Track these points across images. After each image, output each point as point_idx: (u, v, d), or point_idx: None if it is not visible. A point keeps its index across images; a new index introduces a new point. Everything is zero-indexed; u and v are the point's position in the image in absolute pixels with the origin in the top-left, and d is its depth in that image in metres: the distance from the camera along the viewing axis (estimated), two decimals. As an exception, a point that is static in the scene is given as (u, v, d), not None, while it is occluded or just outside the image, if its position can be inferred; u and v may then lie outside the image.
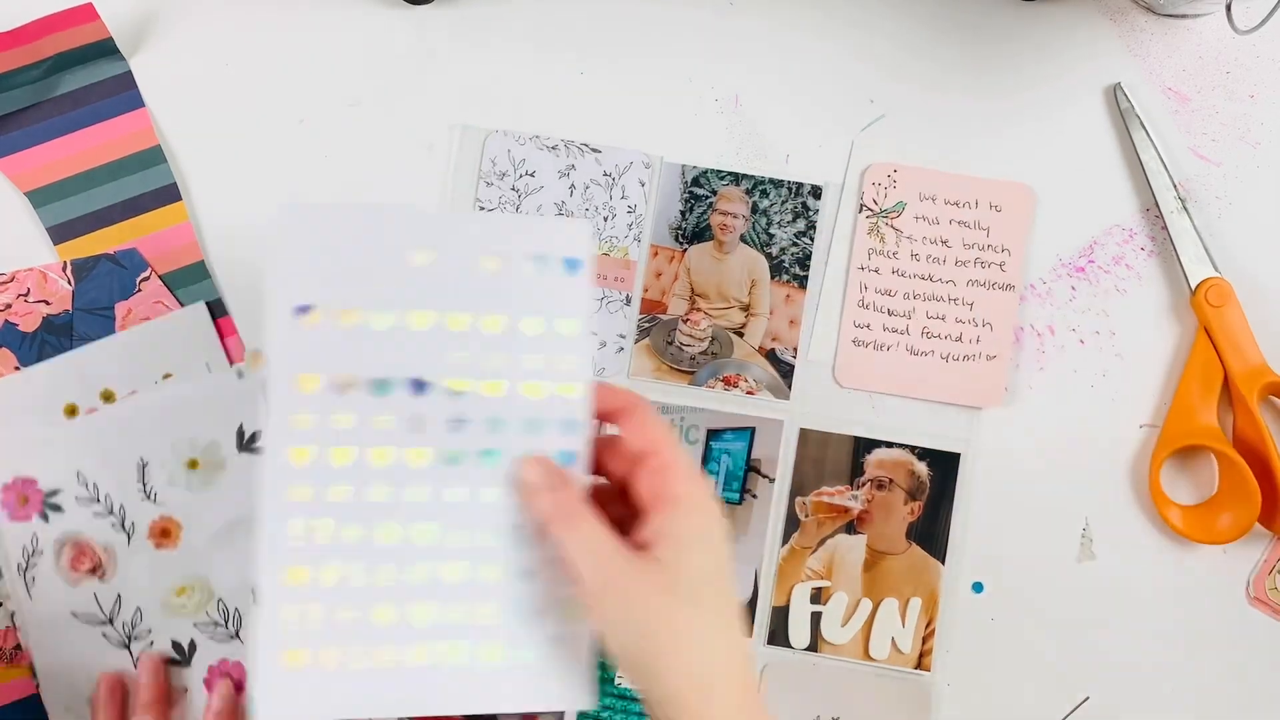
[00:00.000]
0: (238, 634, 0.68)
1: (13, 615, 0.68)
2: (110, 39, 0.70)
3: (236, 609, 0.68)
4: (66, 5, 0.68)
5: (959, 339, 0.71)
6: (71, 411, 0.69)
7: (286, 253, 0.54)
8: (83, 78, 0.71)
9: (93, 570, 0.68)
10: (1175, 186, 0.70)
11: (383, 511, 0.54)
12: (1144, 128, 0.70)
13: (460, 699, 0.55)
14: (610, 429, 0.56)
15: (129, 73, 0.72)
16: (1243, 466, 0.68)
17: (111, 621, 0.68)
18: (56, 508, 0.68)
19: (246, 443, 0.69)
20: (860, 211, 0.71)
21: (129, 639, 0.68)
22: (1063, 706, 0.70)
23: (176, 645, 0.68)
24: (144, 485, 0.68)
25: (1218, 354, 0.69)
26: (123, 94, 0.71)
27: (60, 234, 0.70)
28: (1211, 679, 0.70)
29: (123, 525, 0.68)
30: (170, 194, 0.71)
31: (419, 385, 0.55)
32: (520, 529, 0.54)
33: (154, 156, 0.71)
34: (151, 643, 0.68)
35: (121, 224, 0.71)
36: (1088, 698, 0.69)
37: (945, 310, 0.71)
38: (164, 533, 0.68)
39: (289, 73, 0.72)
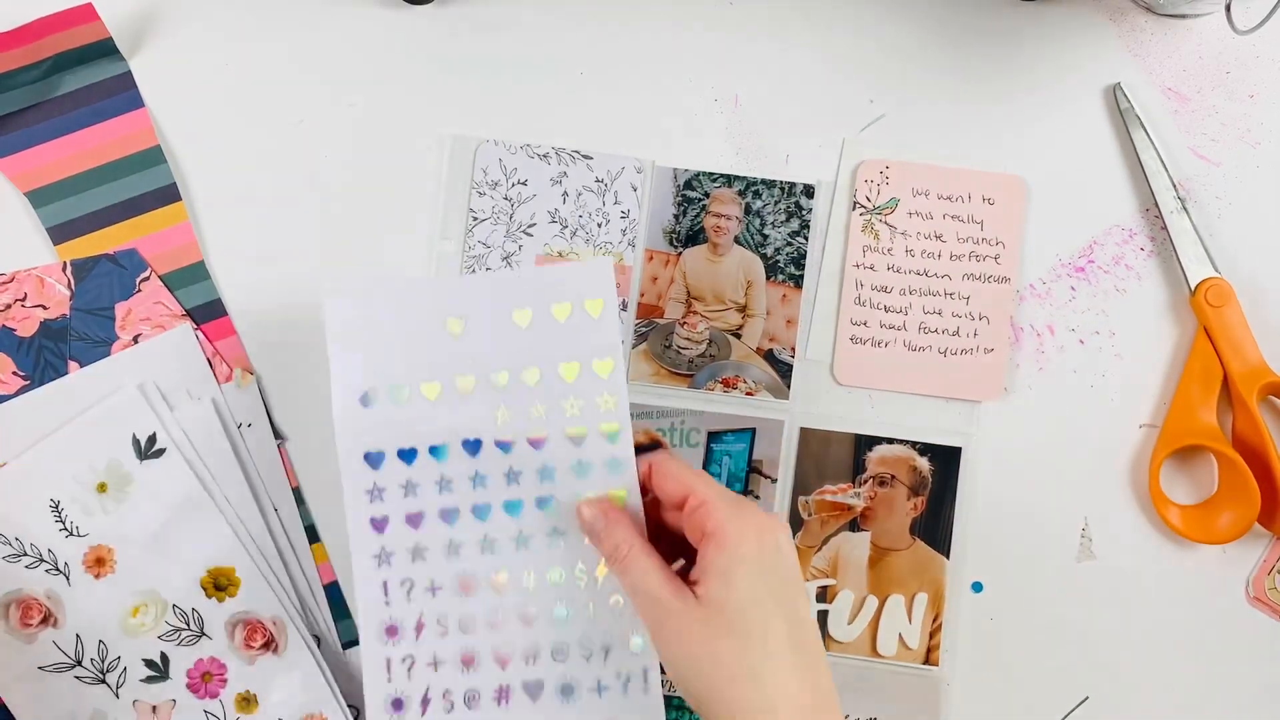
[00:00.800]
0: (203, 631, 0.68)
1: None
2: (110, 39, 0.70)
3: (194, 608, 0.68)
4: (66, 5, 0.68)
5: (956, 333, 0.71)
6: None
7: (341, 347, 0.61)
8: (83, 78, 0.71)
9: (44, 621, 0.67)
10: (1175, 186, 0.70)
11: (456, 570, 0.62)
12: (1144, 128, 0.70)
13: None
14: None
15: (129, 73, 0.72)
16: (1242, 466, 0.68)
17: (80, 662, 0.68)
18: None
19: (146, 450, 0.68)
20: (854, 209, 0.71)
21: (102, 674, 0.68)
22: (1062, 706, 0.70)
23: (149, 663, 0.68)
24: (63, 523, 0.68)
25: (1217, 354, 0.69)
26: (122, 94, 0.71)
27: (60, 234, 0.70)
28: (1211, 679, 0.70)
29: (58, 568, 0.68)
30: (170, 194, 0.71)
31: (473, 445, 0.62)
32: (577, 573, 0.61)
33: (154, 156, 0.71)
34: (125, 669, 0.68)
35: (121, 224, 0.71)
36: (1087, 697, 0.69)
37: (941, 305, 0.71)
38: (99, 561, 0.68)
39: (288, 73, 0.72)
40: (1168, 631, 0.70)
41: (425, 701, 0.62)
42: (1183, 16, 0.72)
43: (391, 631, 0.61)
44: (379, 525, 0.62)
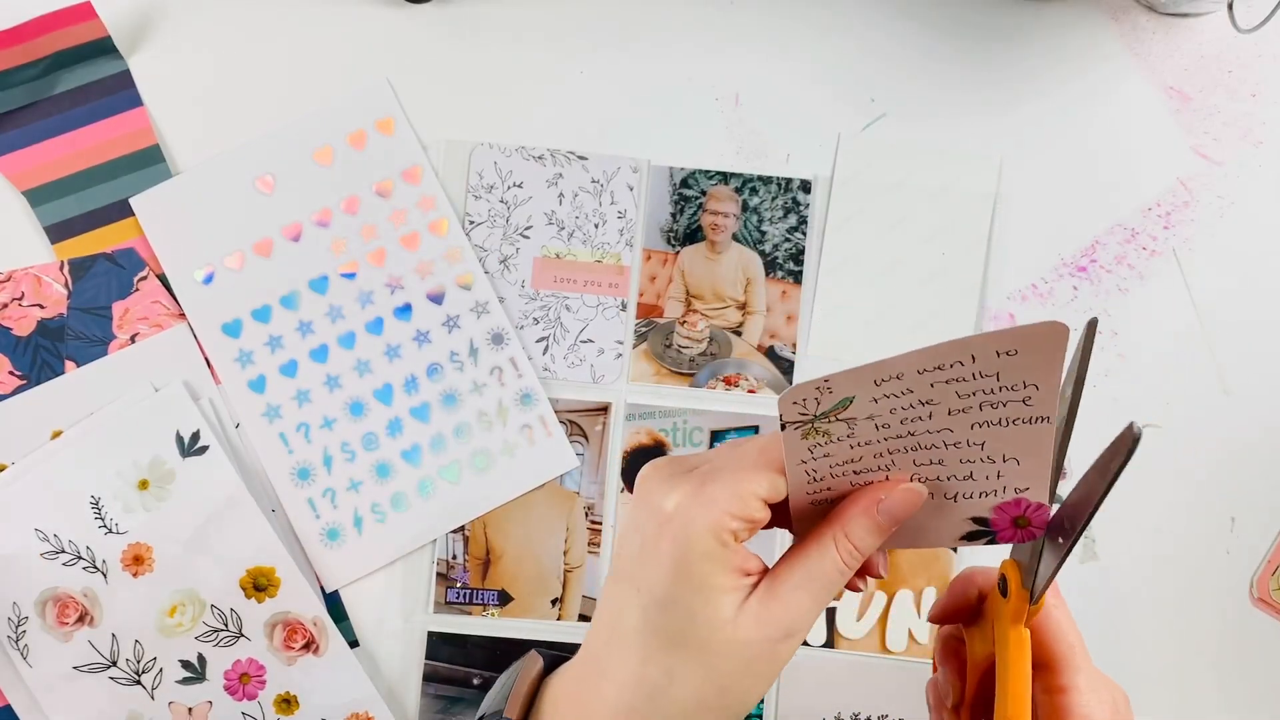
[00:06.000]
0: (242, 631, 0.68)
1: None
2: (108, 38, 0.70)
3: (232, 609, 0.68)
4: (64, 4, 0.68)
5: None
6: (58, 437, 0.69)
7: (164, 238, 0.69)
8: (81, 76, 0.71)
9: (81, 619, 0.67)
10: None
11: (342, 400, 0.69)
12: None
13: (481, 503, 0.69)
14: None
15: (127, 71, 0.71)
16: None
17: (115, 663, 0.67)
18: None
19: (189, 446, 0.68)
20: (787, 428, 0.46)
21: (138, 674, 0.67)
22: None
23: (186, 664, 0.68)
24: (102, 520, 0.67)
25: None
26: (121, 93, 0.71)
27: (58, 233, 0.70)
28: (1215, 680, 0.70)
29: (95, 566, 0.67)
30: None
31: (320, 283, 0.69)
32: (452, 359, 0.70)
33: (152, 155, 0.71)
34: (160, 670, 0.68)
35: (119, 223, 0.70)
36: (1089, 699, 0.69)
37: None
38: (137, 560, 0.68)
39: (287, 72, 0.72)
40: (1171, 633, 0.70)
41: (358, 522, 0.69)
42: (1184, 15, 0.72)
43: (304, 475, 0.69)
44: (257, 385, 0.69)
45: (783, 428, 0.45)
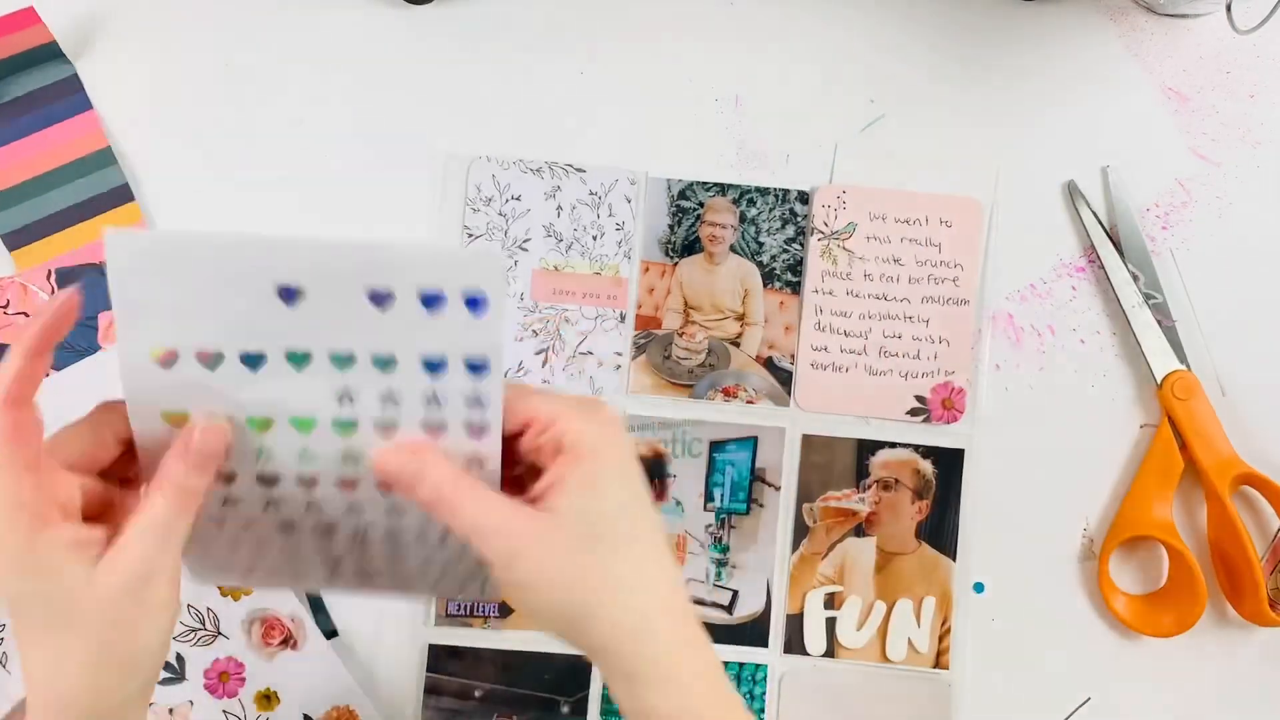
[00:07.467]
0: (220, 630, 0.68)
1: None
2: (54, 43, 0.69)
3: (209, 608, 0.68)
4: (7, 9, 0.67)
5: (916, 356, 0.71)
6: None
7: (129, 295, 0.46)
8: (28, 83, 0.70)
9: None
10: (1136, 280, 0.69)
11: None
12: (1102, 227, 0.70)
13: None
14: None
15: (75, 75, 0.71)
16: (1191, 561, 0.67)
17: None
18: None
19: None
20: (812, 235, 0.71)
21: None
22: (1063, 707, 0.70)
23: (167, 665, 0.68)
24: None
25: (1184, 446, 0.69)
26: (70, 97, 0.71)
27: (15, 240, 0.69)
28: (1212, 680, 0.71)
29: None
30: (123, 195, 0.71)
31: (304, 423, 0.49)
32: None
33: (104, 158, 0.70)
34: None
35: (76, 227, 0.70)
36: (1089, 698, 0.70)
37: (901, 329, 0.71)
38: None
39: (263, 74, 0.71)
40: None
41: None
42: (1183, 16, 0.71)
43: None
44: None
45: (811, 232, 0.70)
